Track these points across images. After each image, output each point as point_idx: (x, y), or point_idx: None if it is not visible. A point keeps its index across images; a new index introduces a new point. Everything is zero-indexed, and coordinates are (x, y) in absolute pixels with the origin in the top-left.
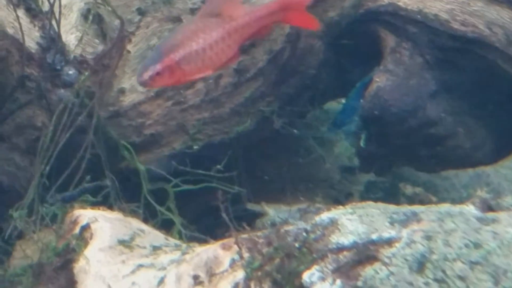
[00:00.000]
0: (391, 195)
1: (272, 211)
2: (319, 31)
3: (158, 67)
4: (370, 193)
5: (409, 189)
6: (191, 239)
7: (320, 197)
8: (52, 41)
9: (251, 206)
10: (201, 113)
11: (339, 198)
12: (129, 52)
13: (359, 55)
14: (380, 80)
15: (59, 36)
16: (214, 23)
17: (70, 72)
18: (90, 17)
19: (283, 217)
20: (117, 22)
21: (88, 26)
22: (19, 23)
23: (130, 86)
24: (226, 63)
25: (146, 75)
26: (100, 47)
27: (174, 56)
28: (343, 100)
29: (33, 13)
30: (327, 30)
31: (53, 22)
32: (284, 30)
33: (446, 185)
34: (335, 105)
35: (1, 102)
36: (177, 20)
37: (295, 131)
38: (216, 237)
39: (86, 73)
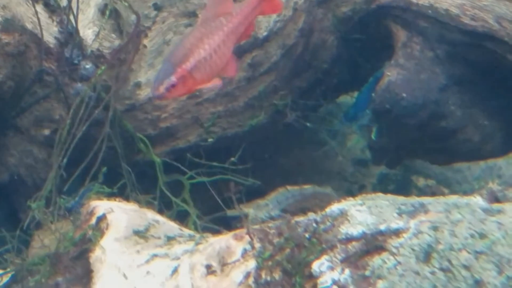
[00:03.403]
0: (403, 188)
1: (252, 210)
2: (332, 27)
3: (173, 79)
4: (383, 185)
5: (421, 182)
6: (205, 230)
7: (333, 189)
8: (70, 36)
9: (230, 213)
10: (216, 107)
11: (352, 190)
12: (145, 46)
13: (371, 50)
14: (391, 74)
15: (76, 31)
16: (214, 27)
17: (87, 66)
18: (107, 12)
19: (263, 213)
20: (133, 17)
21: (105, 21)
22: (38, 18)
23: (146, 80)
24: (226, 69)
25: (162, 88)
26: (117, 42)
27: (186, 66)
28: (356, 94)
29: (51, 8)
30: (340, 25)
31: (71, 17)
32: (297, 25)
33: (458, 177)
34: (348, 99)
35: (20, 96)
36: (193, 15)
37: (308, 124)
38: (231, 228)
39: (103, 67)
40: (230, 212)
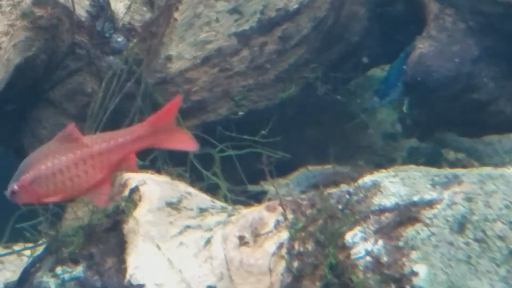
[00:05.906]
0: (433, 161)
1: (272, 189)
2: None
3: (15, 186)
4: (412, 159)
5: (451, 155)
6: (236, 203)
7: (363, 162)
8: (102, 9)
9: (252, 188)
10: (246, 80)
11: (382, 164)
12: (176, 20)
13: (403, 22)
14: (423, 46)
15: (108, 4)
16: (65, 148)
17: (119, 39)
18: None
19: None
20: None
21: None
22: None
23: (177, 53)
24: (95, 188)
25: (8, 193)
26: (148, 15)
27: (25, 177)
28: (386, 68)
29: None
30: None
31: None
32: None
33: (488, 150)
34: (378, 72)
35: (53, 69)
36: None
37: (338, 97)
38: (261, 202)
39: (135, 41)
40: (251, 187)
